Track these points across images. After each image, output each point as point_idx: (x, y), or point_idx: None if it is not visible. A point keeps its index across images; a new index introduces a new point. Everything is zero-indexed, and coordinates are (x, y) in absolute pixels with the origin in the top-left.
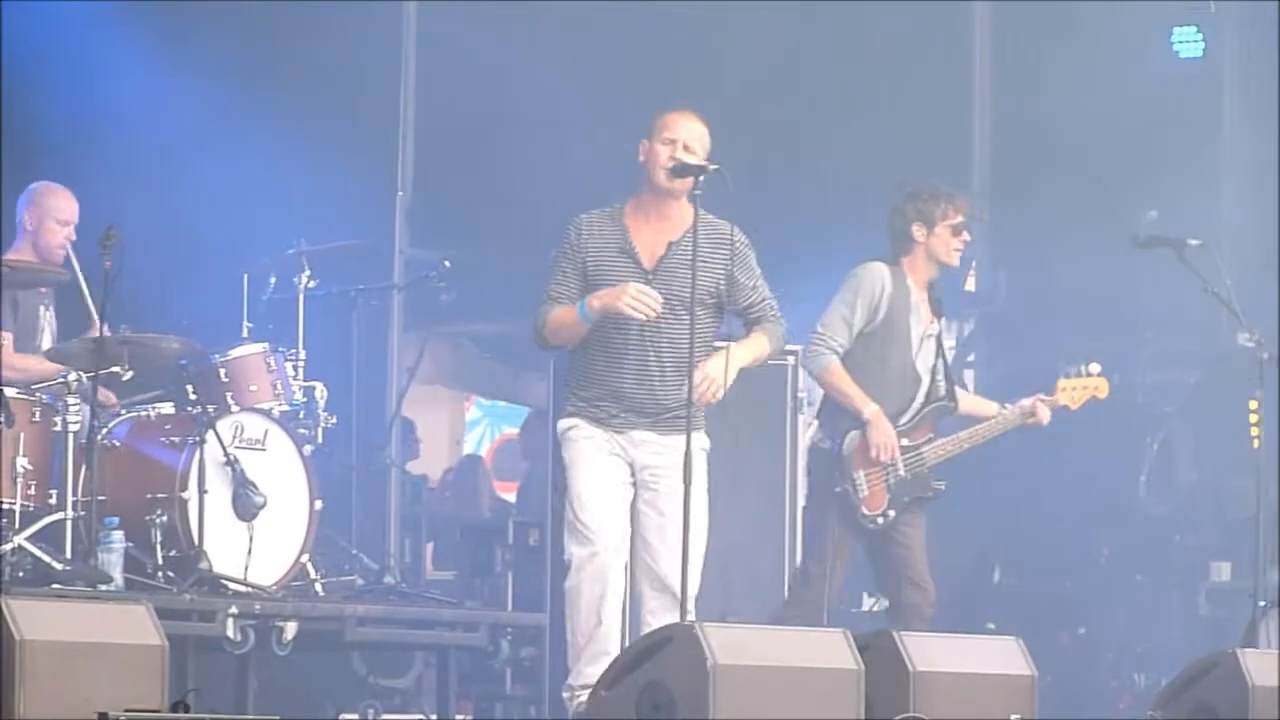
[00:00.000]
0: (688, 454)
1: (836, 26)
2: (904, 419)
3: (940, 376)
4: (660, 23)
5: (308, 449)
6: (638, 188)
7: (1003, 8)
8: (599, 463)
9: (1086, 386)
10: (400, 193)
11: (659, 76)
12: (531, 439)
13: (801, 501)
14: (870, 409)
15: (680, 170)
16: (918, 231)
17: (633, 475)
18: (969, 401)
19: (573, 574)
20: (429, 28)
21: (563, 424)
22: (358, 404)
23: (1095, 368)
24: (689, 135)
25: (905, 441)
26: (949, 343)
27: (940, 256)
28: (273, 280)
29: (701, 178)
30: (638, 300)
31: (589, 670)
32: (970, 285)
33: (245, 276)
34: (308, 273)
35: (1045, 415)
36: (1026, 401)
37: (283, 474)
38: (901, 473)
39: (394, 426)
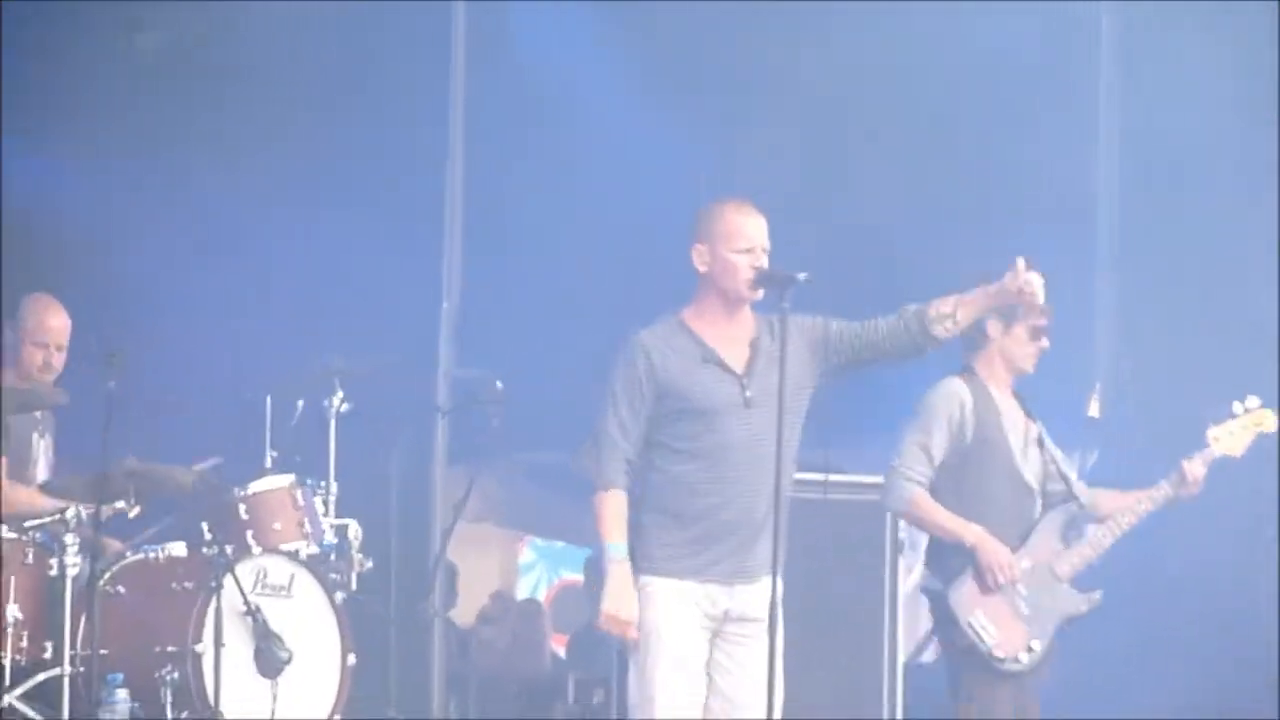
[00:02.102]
0: (774, 602)
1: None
2: (1029, 540)
3: (1055, 481)
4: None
5: (339, 596)
6: (699, 291)
7: None
8: (685, 637)
9: (1248, 426)
10: (445, 304)
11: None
12: (596, 585)
13: (902, 657)
14: (972, 532)
15: (766, 281)
16: (993, 328)
17: (715, 628)
18: (1107, 499)
19: None
20: (479, 116)
21: (640, 580)
22: (397, 545)
23: (1255, 401)
24: (763, 237)
25: (1027, 563)
26: (1054, 453)
27: (1015, 361)
28: (300, 403)
29: (790, 289)
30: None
31: None
32: (1094, 410)
33: (268, 398)
34: (340, 394)
35: (1199, 473)
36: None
37: (311, 625)
38: (1023, 594)
39: (438, 571)
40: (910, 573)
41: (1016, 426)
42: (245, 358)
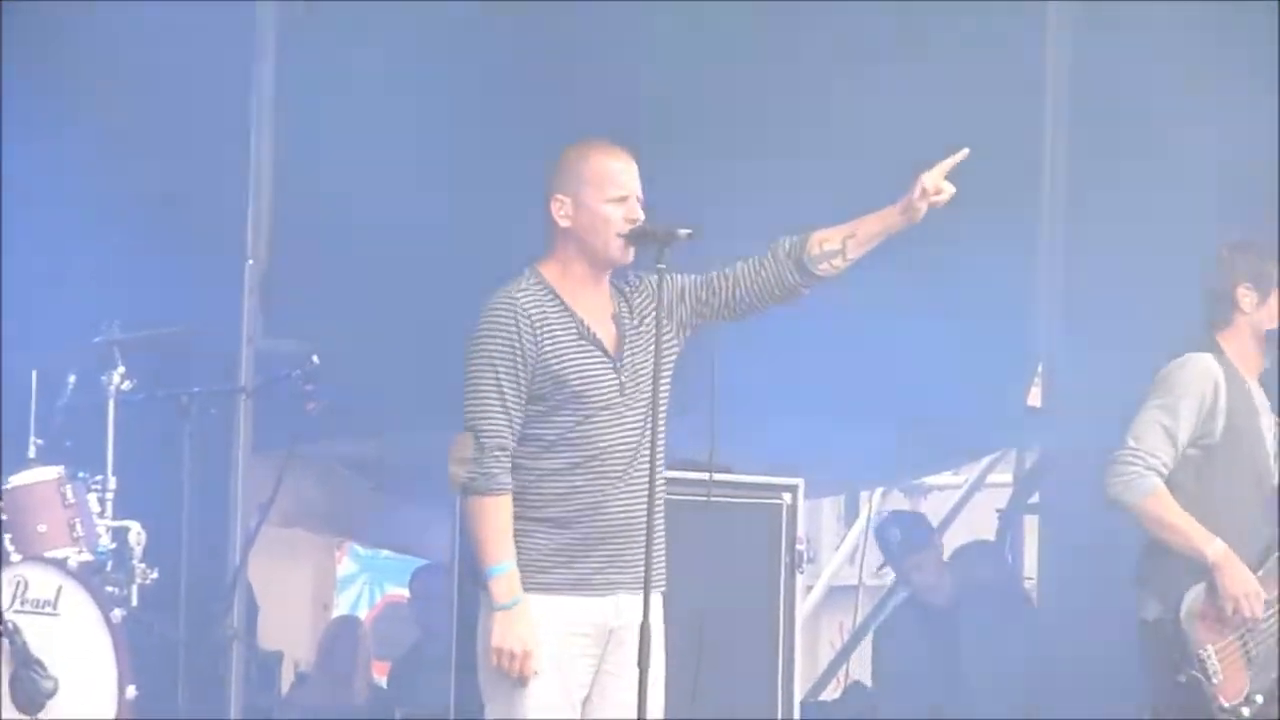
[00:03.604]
0: (645, 626)
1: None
2: (1266, 564)
3: None
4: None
5: (118, 614)
6: (553, 251)
7: None
8: (558, 668)
9: None
10: (250, 260)
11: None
12: (426, 603)
13: (799, 694)
14: (1215, 548)
15: (640, 237)
16: (1245, 298)
17: (598, 654)
18: None
19: None
20: (290, 43)
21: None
22: (188, 553)
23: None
24: (637, 184)
25: (1272, 593)
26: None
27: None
28: (72, 379)
29: (667, 249)
30: None
31: None
32: (1034, 400)
33: (34, 374)
34: (121, 369)
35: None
36: None
37: (82, 649)
38: (1256, 633)
39: (238, 584)
40: (810, 591)
41: (1269, 422)
42: (4, 322)
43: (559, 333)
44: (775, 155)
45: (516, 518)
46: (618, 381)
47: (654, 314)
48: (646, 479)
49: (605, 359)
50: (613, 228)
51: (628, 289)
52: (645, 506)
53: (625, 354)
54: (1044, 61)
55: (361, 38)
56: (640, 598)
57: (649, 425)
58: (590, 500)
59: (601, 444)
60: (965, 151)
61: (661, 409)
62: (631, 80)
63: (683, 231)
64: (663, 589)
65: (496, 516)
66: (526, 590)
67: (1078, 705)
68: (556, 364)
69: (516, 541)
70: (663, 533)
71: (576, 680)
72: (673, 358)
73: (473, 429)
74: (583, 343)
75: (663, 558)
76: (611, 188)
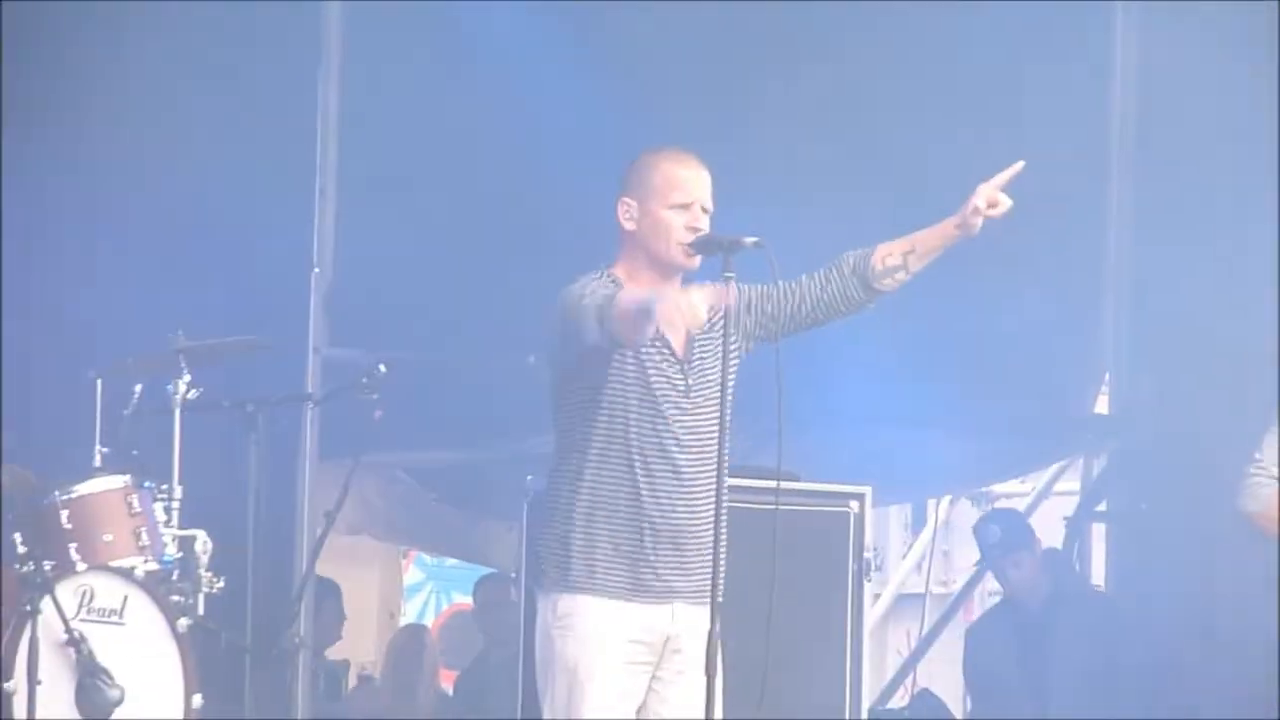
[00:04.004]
0: (713, 633)
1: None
2: None
3: None
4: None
5: (183, 623)
6: (621, 254)
7: None
8: (615, 675)
9: None
10: (316, 269)
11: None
12: (489, 611)
13: (867, 703)
14: None
15: (705, 246)
16: None
17: (654, 662)
18: None
19: None
20: (359, 43)
21: (562, 602)
22: (255, 561)
23: None
24: (704, 193)
25: None
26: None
27: None
28: (138, 388)
29: (733, 256)
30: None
31: None
32: (1101, 406)
33: (99, 381)
34: (187, 378)
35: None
36: None
37: (148, 657)
38: None
39: (305, 592)
40: (877, 599)
41: None
42: (73, 331)
43: None
44: (829, 160)
45: (579, 517)
46: (685, 382)
47: (723, 321)
48: (711, 485)
49: (672, 358)
50: (674, 234)
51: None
52: (709, 513)
53: (694, 356)
54: (1112, 64)
55: (424, 47)
56: (697, 608)
57: (714, 431)
58: (653, 502)
59: (666, 444)
60: (1020, 165)
61: (727, 419)
62: (698, 87)
63: (749, 240)
64: (720, 599)
65: (628, 294)
66: (587, 593)
67: (1149, 708)
68: (629, 358)
69: (579, 542)
70: (724, 542)
71: (633, 688)
72: (734, 366)
73: (567, 301)
74: (652, 342)
75: (723, 567)
76: (675, 194)
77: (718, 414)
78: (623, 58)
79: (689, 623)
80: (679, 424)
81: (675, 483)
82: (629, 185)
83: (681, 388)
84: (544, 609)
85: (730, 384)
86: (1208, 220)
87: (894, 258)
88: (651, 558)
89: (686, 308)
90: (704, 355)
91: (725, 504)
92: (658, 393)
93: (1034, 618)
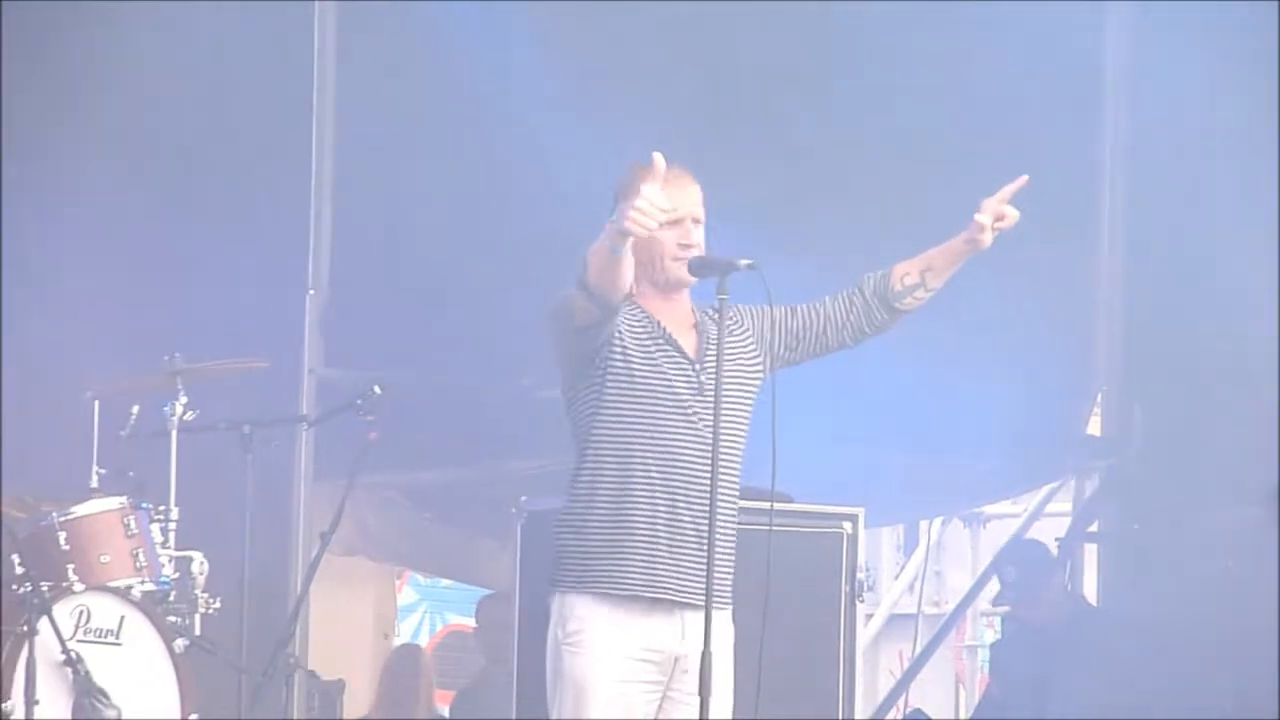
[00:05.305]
0: (706, 654)
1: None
2: None
3: None
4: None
5: (180, 643)
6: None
7: None
8: (621, 695)
9: None
10: (311, 291)
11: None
12: (492, 632)
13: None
14: None
15: (700, 268)
16: None
17: (664, 682)
18: None
19: None
20: (351, 68)
21: (571, 615)
22: (250, 582)
23: None
24: (693, 205)
25: None
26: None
27: None
28: (135, 409)
29: (727, 278)
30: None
31: None
32: (1093, 427)
33: (95, 403)
34: (184, 400)
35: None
36: None
37: (145, 678)
38: None
39: (300, 613)
40: (870, 620)
41: None
42: (70, 352)
43: (638, 328)
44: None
45: (592, 518)
46: (696, 382)
47: (744, 333)
48: (724, 490)
49: (683, 359)
50: (665, 250)
51: (713, 310)
52: (721, 517)
53: (706, 359)
54: (1103, 70)
55: (420, 65)
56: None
57: (726, 434)
58: (665, 503)
59: (676, 445)
60: (1025, 179)
61: (741, 428)
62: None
63: (743, 262)
64: (729, 607)
65: (594, 257)
66: (597, 594)
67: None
68: (639, 358)
69: (592, 543)
70: (733, 548)
71: (639, 706)
72: (756, 384)
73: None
74: (660, 341)
75: (730, 574)
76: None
77: (732, 417)
78: (622, 74)
79: (698, 642)
80: (690, 426)
81: (685, 482)
82: (618, 201)
83: (694, 385)
84: (554, 620)
85: (747, 396)
86: (1201, 243)
87: (912, 276)
88: (664, 559)
89: (641, 204)
90: (713, 357)
91: (735, 511)
92: (667, 395)
93: (1049, 638)
